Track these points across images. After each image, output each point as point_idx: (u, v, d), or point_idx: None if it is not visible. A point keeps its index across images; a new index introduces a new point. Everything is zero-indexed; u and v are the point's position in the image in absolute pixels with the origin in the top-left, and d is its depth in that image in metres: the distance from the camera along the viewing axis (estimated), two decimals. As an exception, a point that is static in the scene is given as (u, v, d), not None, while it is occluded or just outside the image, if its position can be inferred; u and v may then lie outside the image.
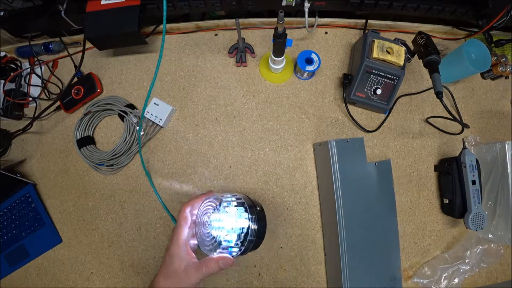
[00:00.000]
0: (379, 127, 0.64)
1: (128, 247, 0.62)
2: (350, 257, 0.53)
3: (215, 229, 0.41)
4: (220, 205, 0.42)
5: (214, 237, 0.41)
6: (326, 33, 0.70)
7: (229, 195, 0.44)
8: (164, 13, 0.48)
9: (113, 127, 0.67)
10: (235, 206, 0.42)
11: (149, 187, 0.63)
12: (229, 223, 0.41)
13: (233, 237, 0.41)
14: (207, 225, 0.42)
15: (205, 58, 0.69)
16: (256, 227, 0.42)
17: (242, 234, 0.41)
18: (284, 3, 0.62)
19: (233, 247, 0.41)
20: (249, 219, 0.42)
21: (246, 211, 0.42)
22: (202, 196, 0.44)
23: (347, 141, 0.56)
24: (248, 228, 0.41)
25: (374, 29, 0.67)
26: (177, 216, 0.43)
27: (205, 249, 0.42)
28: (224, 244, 0.40)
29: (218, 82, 0.68)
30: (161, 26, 0.69)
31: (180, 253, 0.40)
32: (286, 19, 0.55)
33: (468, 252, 0.59)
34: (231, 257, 0.41)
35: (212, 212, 0.42)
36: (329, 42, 0.70)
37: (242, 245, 0.41)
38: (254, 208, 0.43)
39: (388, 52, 0.58)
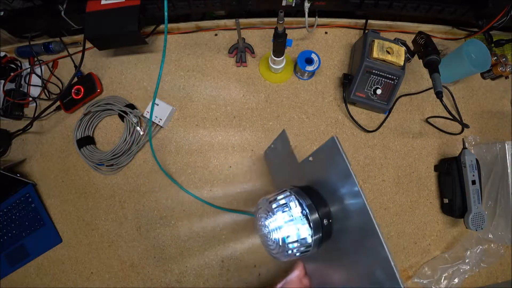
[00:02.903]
0: (379, 127, 0.64)
1: (128, 247, 0.62)
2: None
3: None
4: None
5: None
6: (326, 33, 0.70)
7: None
8: (166, 13, 0.48)
9: (113, 127, 0.67)
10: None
11: (149, 187, 0.63)
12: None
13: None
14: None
15: (205, 58, 0.69)
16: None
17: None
18: (284, 3, 0.62)
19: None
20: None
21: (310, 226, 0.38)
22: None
23: (272, 146, 0.52)
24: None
25: (374, 29, 0.67)
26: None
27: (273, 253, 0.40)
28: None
29: (218, 82, 0.68)
30: (161, 26, 0.69)
31: None
32: (286, 19, 0.55)
33: (468, 252, 0.59)
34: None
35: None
36: (329, 42, 0.70)
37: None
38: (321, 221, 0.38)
39: (388, 52, 0.58)
